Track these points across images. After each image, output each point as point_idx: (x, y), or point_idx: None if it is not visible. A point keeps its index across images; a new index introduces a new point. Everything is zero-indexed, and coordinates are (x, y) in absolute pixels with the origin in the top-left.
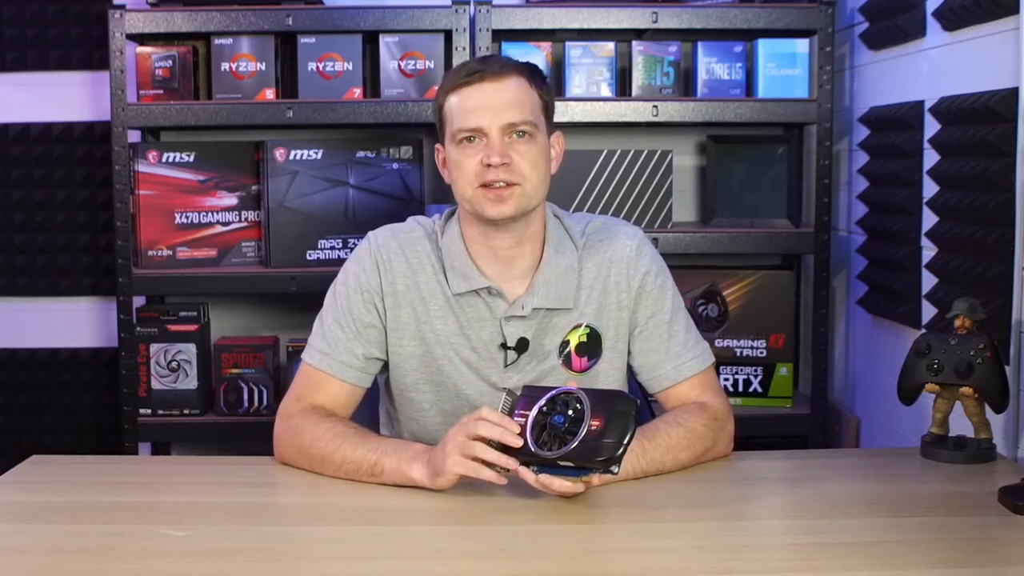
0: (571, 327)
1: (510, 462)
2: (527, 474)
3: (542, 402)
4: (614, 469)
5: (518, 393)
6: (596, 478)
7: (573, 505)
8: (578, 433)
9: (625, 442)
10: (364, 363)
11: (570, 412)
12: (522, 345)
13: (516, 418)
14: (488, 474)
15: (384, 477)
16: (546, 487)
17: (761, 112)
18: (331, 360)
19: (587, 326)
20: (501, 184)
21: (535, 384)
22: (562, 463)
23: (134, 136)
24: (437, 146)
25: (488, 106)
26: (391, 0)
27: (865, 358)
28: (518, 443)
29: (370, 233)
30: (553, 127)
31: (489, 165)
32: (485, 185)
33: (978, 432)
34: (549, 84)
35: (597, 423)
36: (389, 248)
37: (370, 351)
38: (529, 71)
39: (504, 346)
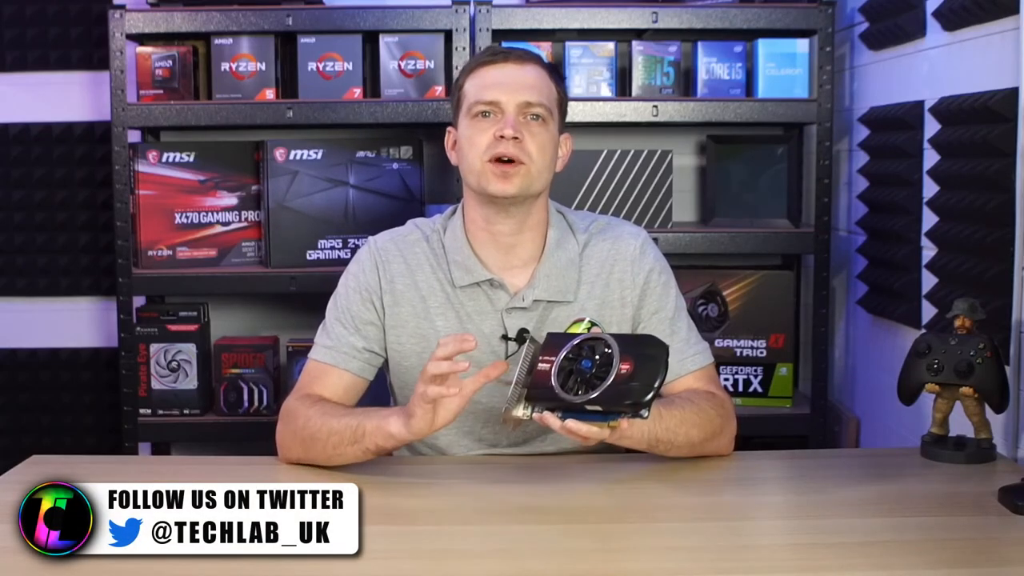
0: (572, 320)
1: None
2: (552, 420)
3: (568, 348)
4: (644, 413)
5: (540, 341)
6: (625, 422)
7: (573, 505)
8: (607, 377)
9: (655, 385)
10: (366, 355)
11: (597, 357)
12: (522, 336)
13: (541, 364)
14: (450, 392)
15: (366, 440)
16: (572, 432)
17: (761, 112)
18: (334, 352)
19: (589, 321)
20: (509, 160)
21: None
22: (590, 408)
23: (134, 136)
24: (448, 128)
25: (508, 84)
26: (391, 0)
27: (865, 358)
28: (472, 345)
29: (370, 238)
30: (565, 127)
31: (502, 137)
32: (493, 160)
33: (978, 432)
34: (567, 86)
35: (627, 367)
36: (387, 251)
37: (370, 346)
38: (551, 67)
39: (505, 337)
